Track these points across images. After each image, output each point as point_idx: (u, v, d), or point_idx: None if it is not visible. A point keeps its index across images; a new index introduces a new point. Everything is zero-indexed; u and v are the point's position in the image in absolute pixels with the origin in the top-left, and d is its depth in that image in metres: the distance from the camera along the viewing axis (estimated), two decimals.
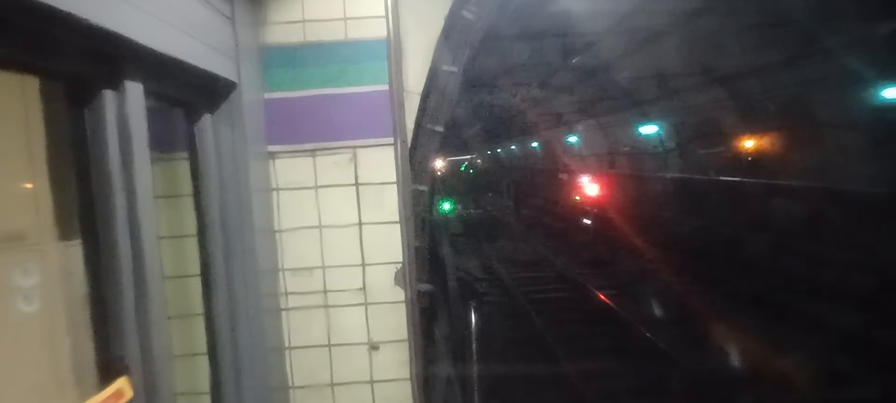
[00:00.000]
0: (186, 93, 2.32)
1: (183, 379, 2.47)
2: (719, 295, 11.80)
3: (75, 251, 1.72)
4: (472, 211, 33.13)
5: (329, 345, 2.92)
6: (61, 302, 1.81)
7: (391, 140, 2.89)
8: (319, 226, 2.88)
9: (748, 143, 13.82)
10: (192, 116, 2.42)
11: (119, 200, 1.71)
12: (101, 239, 1.69)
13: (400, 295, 2.93)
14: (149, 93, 1.84)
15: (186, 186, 2.46)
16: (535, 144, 33.35)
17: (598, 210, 21.43)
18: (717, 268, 13.60)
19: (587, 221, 21.51)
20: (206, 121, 2.45)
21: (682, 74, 13.19)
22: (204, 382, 2.50)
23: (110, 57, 1.68)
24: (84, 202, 1.69)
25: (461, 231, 24.82)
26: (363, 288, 2.91)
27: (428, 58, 3.39)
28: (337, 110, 2.85)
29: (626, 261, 16.19)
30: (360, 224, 2.90)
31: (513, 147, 39.88)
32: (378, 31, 2.86)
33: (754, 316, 10.39)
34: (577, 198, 24.10)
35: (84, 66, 1.63)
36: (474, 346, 8.41)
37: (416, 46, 3.37)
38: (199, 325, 2.51)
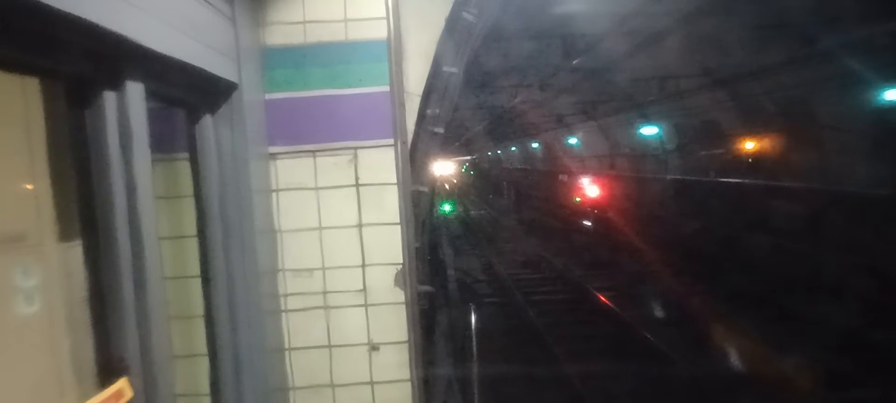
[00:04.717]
0: (187, 94, 2.32)
1: (183, 380, 2.46)
2: (719, 296, 11.81)
3: (75, 251, 1.71)
4: (472, 212, 33.15)
5: (329, 346, 2.91)
6: (61, 303, 1.81)
7: (392, 141, 2.89)
8: (320, 227, 2.88)
9: (748, 145, 13.83)
10: (193, 117, 2.42)
11: (119, 201, 1.70)
12: (102, 240, 1.69)
13: (400, 296, 2.93)
14: (149, 94, 1.84)
15: (187, 187, 2.46)
16: (535, 145, 33.37)
17: (598, 211, 21.44)
18: (718, 270, 13.60)
19: (587, 223, 21.52)
20: (207, 121, 2.45)
21: (683, 76, 13.20)
22: (204, 383, 2.50)
23: (111, 57, 1.67)
24: (84, 202, 1.69)
25: (461, 232, 24.86)
26: (363, 290, 2.91)
27: (429, 59, 3.38)
28: (337, 111, 2.85)
29: (626, 263, 16.19)
30: (361, 225, 2.90)
31: (513, 148, 39.89)
32: (379, 32, 2.86)
33: (754, 317, 10.40)
34: (578, 199, 24.11)
35: (84, 67, 1.63)
36: (474, 347, 8.41)
37: (417, 47, 3.36)
38: (199, 326, 2.50)
